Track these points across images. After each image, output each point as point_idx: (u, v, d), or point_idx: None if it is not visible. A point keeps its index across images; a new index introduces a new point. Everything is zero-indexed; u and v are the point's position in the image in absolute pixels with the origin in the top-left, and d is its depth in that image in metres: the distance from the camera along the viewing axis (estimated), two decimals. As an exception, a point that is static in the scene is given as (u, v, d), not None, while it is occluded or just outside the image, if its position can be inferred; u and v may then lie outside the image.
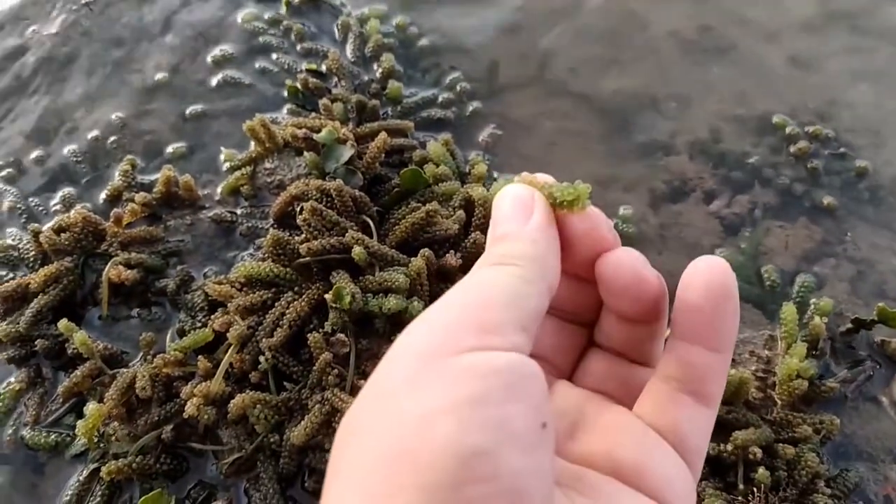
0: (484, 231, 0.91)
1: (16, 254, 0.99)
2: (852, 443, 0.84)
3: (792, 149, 1.09)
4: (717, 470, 0.79)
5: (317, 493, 0.80)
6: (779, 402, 0.84)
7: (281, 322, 0.83)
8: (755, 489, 0.76)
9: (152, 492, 0.79)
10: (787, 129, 1.11)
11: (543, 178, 0.36)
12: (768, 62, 1.21)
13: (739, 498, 0.76)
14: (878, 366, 0.89)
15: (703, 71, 1.21)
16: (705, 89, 1.18)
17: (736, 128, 1.13)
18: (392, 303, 0.80)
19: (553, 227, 0.35)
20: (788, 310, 0.88)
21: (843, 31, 1.25)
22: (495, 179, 1.04)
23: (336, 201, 0.91)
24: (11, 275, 0.98)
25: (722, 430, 0.81)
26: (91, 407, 0.80)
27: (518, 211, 0.35)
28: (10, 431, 0.87)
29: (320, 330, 0.83)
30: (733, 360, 0.88)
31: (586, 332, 0.40)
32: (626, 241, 1.01)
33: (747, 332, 0.91)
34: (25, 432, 0.86)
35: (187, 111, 1.16)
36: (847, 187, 1.06)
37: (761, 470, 0.76)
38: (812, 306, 0.92)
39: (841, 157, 1.09)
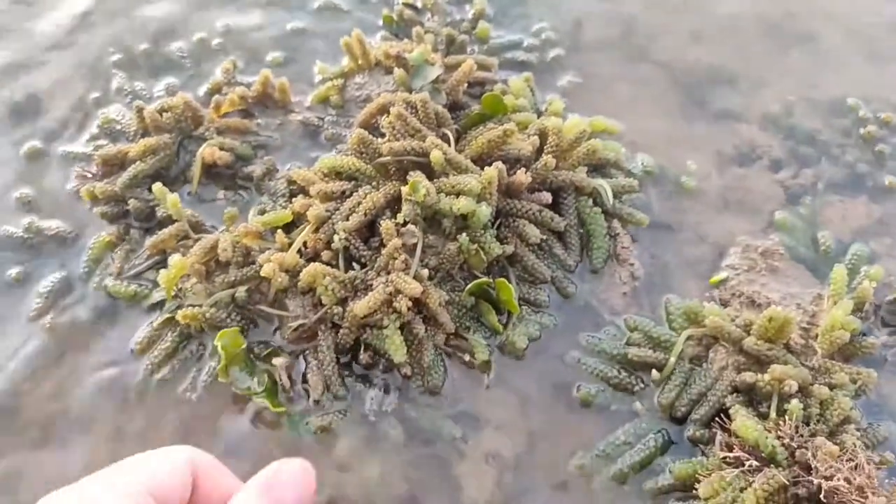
0: (556, 157, 0.95)
1: (118, 127, 1.07)
2: (886, 404, 0.86)
3: (861, 131, 1.11)
4: (751, 400, 0.82)
5: (369, 367, 0.85)
6: (819, 350, 0.86)
7: (357, 209, 0.89)
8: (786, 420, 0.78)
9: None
10: (860, 113, 1.13)
11: None
12: (846, 53, 1.24)
13: (771, 425, 0.78)
14: (920, 336, 0.91)
15: (782, 54, 1.24)
16: (783, 71, 1.21)
17: (808, 107, 1.16)
18: (462, 203, 0.85)
19: None
20: (839, 271, 0.91)
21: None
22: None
23: (420, 113, 0.97)
24: (112, 145, 1.05)
25: (761, 365, 0.84)
26: (175, 258, 0.87)
27: None
28: (95, 280, 0.94)
29: (393, 219, 0.88)
30: (777, 304, 0.91)
31: None
32: (687, 195, 1.04)
33: (796, 287, 0.94)
34: (108, 281, 0.93)
35: (288, 26, 1.23)
36: (911, 174, 1.08)
37: (794, 401, 0.78)
38: (862, 272, 0.94)
39: (909, 145, 1.11)
